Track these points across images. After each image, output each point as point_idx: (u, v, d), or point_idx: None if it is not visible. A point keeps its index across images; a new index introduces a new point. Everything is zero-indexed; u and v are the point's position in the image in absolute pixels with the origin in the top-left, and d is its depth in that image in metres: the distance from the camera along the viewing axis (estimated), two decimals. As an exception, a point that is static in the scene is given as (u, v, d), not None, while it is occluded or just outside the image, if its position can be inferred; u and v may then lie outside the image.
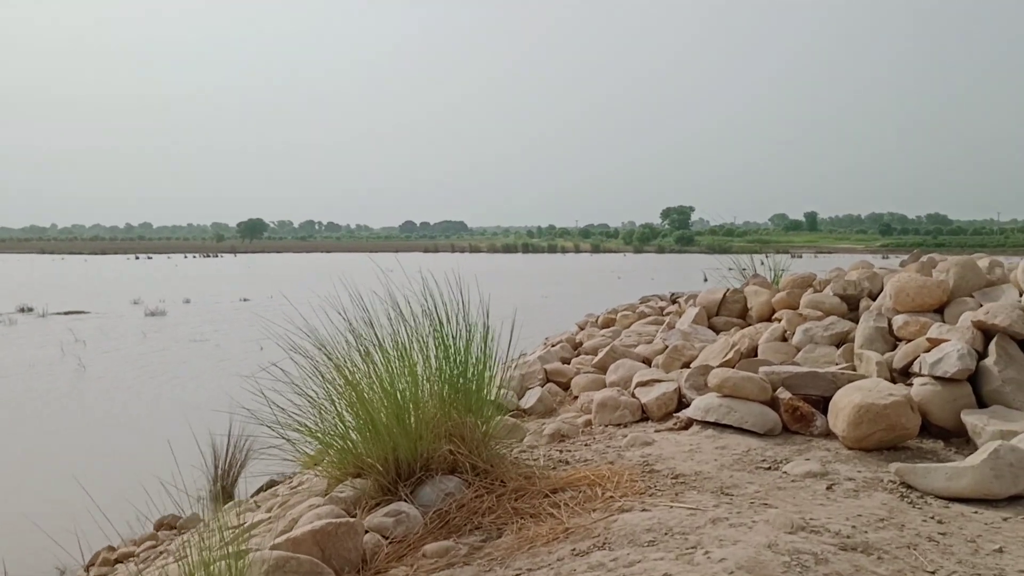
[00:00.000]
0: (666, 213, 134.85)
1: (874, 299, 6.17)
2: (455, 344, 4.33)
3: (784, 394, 4.70)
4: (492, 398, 4.42)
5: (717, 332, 7.29)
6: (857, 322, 5.93)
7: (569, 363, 7.45)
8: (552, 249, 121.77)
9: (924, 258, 7.33)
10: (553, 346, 8.23)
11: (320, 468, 4.30)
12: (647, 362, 6.73)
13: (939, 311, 5.39)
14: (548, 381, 6.88)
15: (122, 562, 6.90)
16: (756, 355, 5.93)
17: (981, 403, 4.34)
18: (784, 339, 6.07)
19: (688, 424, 4.94)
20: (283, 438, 4.20)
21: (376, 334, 4.33)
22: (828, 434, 4.50)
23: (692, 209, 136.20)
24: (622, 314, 9.84)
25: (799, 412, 4.61)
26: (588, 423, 5.50)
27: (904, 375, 4.87)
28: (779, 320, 6.71)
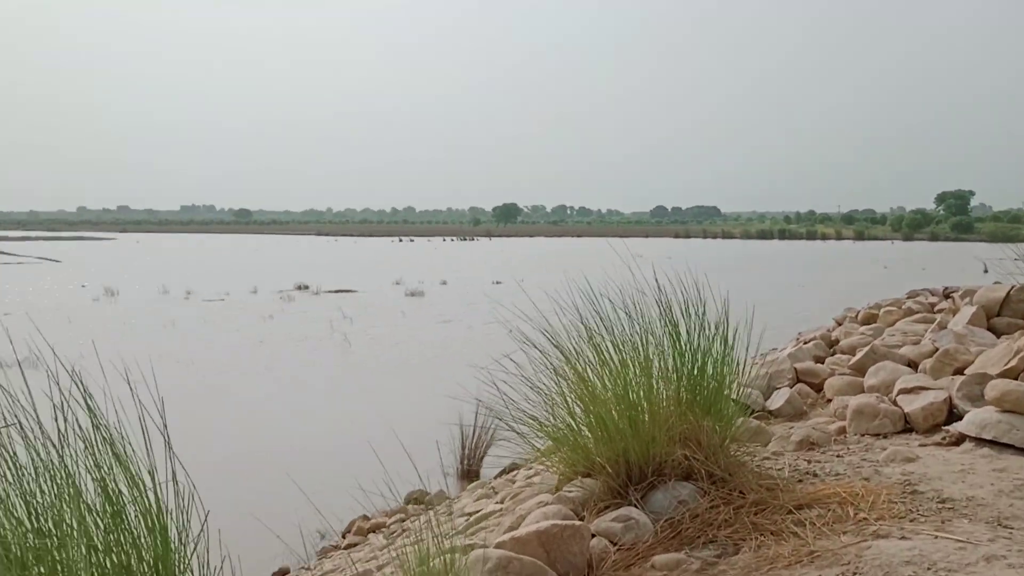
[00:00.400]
0: (941, 198, 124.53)
1: None
2: (692, 340, 4.07)
3: (1083, 413, 4.05)
4: (733, 399, 4.13)
5: (998, 335, 6.48)
6: None
7: (823, 362, 6.93)
8: (811, 236, 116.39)
9: None
10: (806, 343, 7.70)
11: (551, 464, 4.20)
12: (912, 366, 6.10)
13: None
14: (798, 381, 6.42)
15: (374, 532, 7.25)
16: (1046, 363, 5.18)
17: None
18: (1082, 346, 5.27)
19: (959, 440, 4.39)
20: (514, 431, 4.15)
21: (610, 328, 4.16)
22: None
23: (972, 193, 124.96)
24: (885, 310, 9.06)
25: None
26: (842, 431, 5.05)
27: None
28: (1075, 324, 5.86)
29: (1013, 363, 5.11)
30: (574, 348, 4.10)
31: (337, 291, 30.27)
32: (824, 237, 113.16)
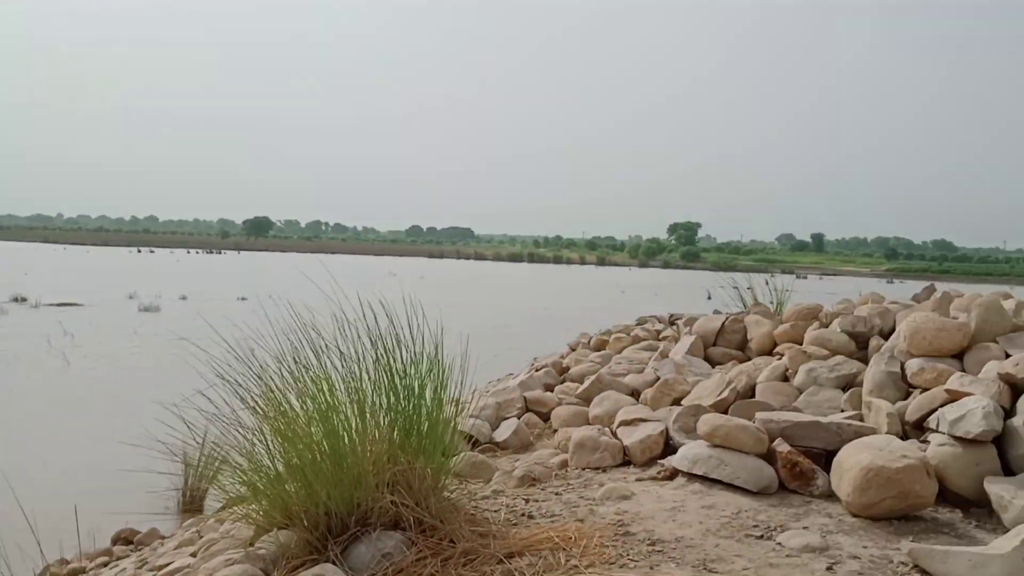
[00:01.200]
0: (673, 228, 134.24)
1: (886, 338, 5.63)
2: (408, 373, 3.79)
3: (782, 446, 4.15)
4: (449, 438, 3.88)
5: (713, 365, 6.74)
6: (866, 363, 5.39)
7: (553, 390, 6.92)
8: (557, 260, 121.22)
9: (939, 293, 6.79)
10: (538, 370, 7.68)
11: (246, 513, 3.74)
12: (636, 395, 6.19)
13: (958, 356, 4.84)
14: (528, 410, 6.34)
15: (72, 579, 6.40)
16: (754, 395, 5.38)
17: (1007, 469, 3.78)
18: (786, 379, 5.52)
19: (673, 474, 4.39)
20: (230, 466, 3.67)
21: (325, 356, 3.80)
22: (830, 495, 3.94)
23: (699, 225, 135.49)
24: (615, 336, 9.29)
25: (798, 468, 4.06)
26: (564, 464, 4.96)
27: (918, 429, 4.32)
28: (781, 356, 6.16)
29: (724, 394, 5.26)
30: (279, 382, 3.70)
31: (61, 304, 27.60)
32: (569, 261, 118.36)
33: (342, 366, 3.78)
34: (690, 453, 4.25)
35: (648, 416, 5.16)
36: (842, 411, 4.86)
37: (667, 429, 4.96)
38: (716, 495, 4.03)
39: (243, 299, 31.07)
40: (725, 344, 6.95)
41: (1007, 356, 4.65)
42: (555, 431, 5.84)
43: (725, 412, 5.10)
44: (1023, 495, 3.48)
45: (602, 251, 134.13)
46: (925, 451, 3.89)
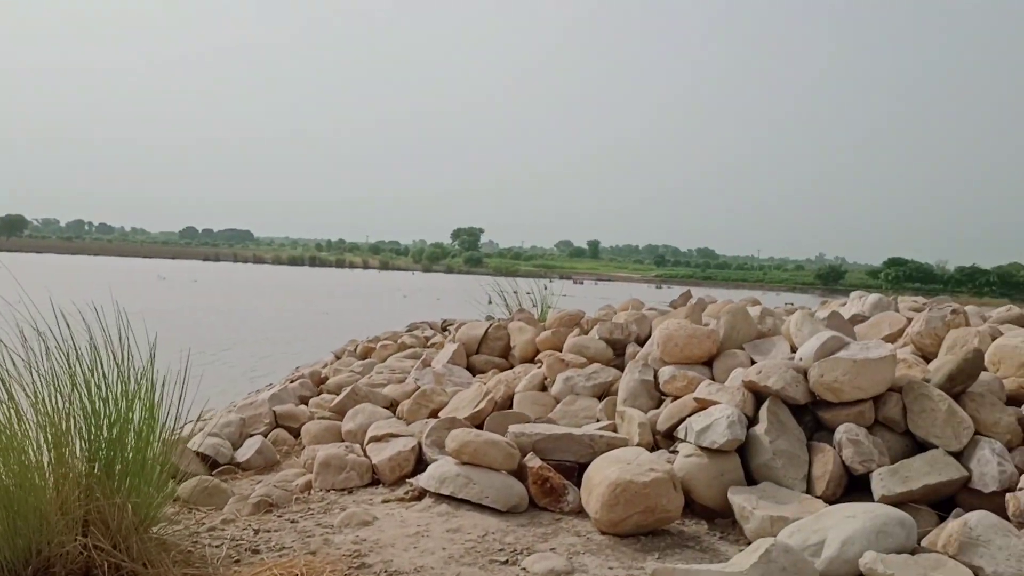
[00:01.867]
0: (456, 233, 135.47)
1: (642, 345, 5.62)
2: (116, 395, 3.27)
3: (533, 461, 3.96)
4: (161, 467, 3.39)
5: (476, 373, 6.54)
6: (623, 371, 5.35)
7: (308, 403, 6.47)
8: (340, 264, 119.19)
9: (694, 300, 6.93)
10: (292, 382, 7.19)
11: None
12: (395, 407, 5.86)
13: (708, 364, 4.87)
14: (277, 426, 5.86)
15: None
16: (512, 406, 5.20)
17: (750, 478, 3.77)
18: (544, 388, 5.38)
19: (421, 495, 4.10)
20: None
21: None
22: (581, 510, 3.79)
23: (482, 231, 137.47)
24: (382, 344, 8.92)
25: (549, 484, 3.88)
26: (308, 486, 4.55)
27: (669, 439, 4.27)
28: (542, 364, 6.05)
29: (481, 406, 5.03)
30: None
31: None
32: (352, 265, 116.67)
33: (30, 388, 3.21)
34: (438, 472, 3.97)
35: (400, 431, 4.86)
36: (598, 421, 4.76)
37: (420, 444, 4.67)
38: (463, 517, 3.77)
39: (-15, 304, 28.14)
40: (488, 352, 6.77)
41: (752, 363, 4.72)
42: (304, 450, 5.42)
43: (481, 425, 4.88)
44: (764, 505, 3.45)
45: (386, 255, 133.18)
46: (673, 463, 3.82)
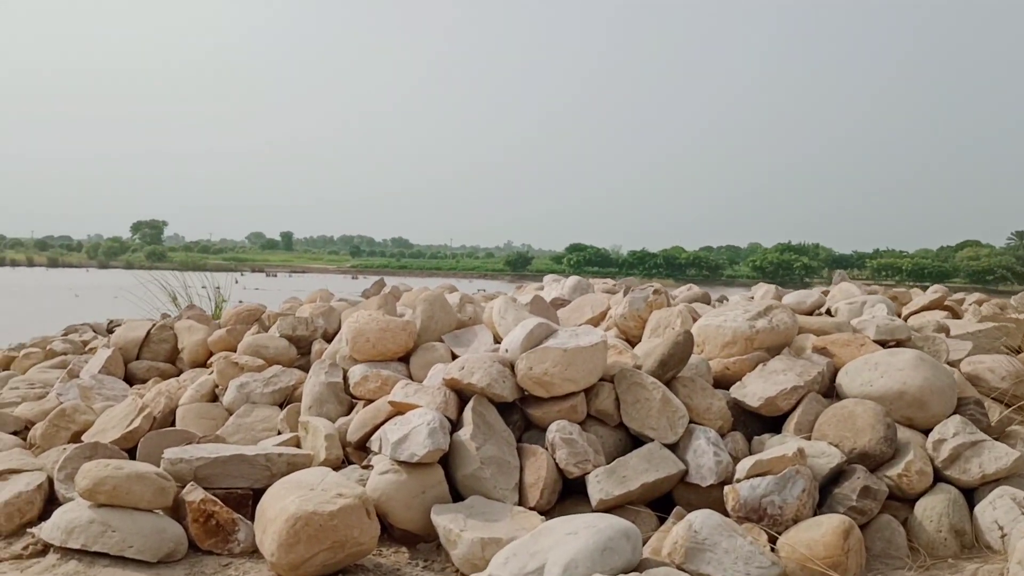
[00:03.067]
0: (137, 227, 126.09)
1: (330, 341, 4.97)
2: None
3: (194, 494, 3.19)
4: None
5: (135, 383, 5.55)
6: (308, 370, 4.68)
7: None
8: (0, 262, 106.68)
9: (387, 288, 6.39)
10: None
11: None
12: (27, 430, 4.77)
13: (405, 359, 4.32)
14: None
15: None
16: (174, 422, 4.35)
17: (456, 492, 3.26)
18: (215, 397, 4.57)
19: (45, 549, 3.18)
20: None
21: None
22: (256, 550, 3.09)
23: (166, 224, 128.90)
24: (27, 351, 7.51)
25: (214, 521, 3.13)
26: None
27: (362, 451, 3.67)
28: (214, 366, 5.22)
29: (136, 423, 4.16)
30: None
31: None
32: (14, 263, 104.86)
33: None
34: (65, 519, 3.08)
35: (25, 465, 3.85)
36: (279, 434, 4.05)
37: (52, 480, 3.72)
38: (101, 575, 2.94)
39: None
40: (152, 356, 5.77)
41: (453, 357, 4.24)
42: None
43: (134, 448, 4.01)
44: (473, 525, 2.95)
45: (56, 251, 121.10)
46: (366, 482, 3.22)
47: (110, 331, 9.61)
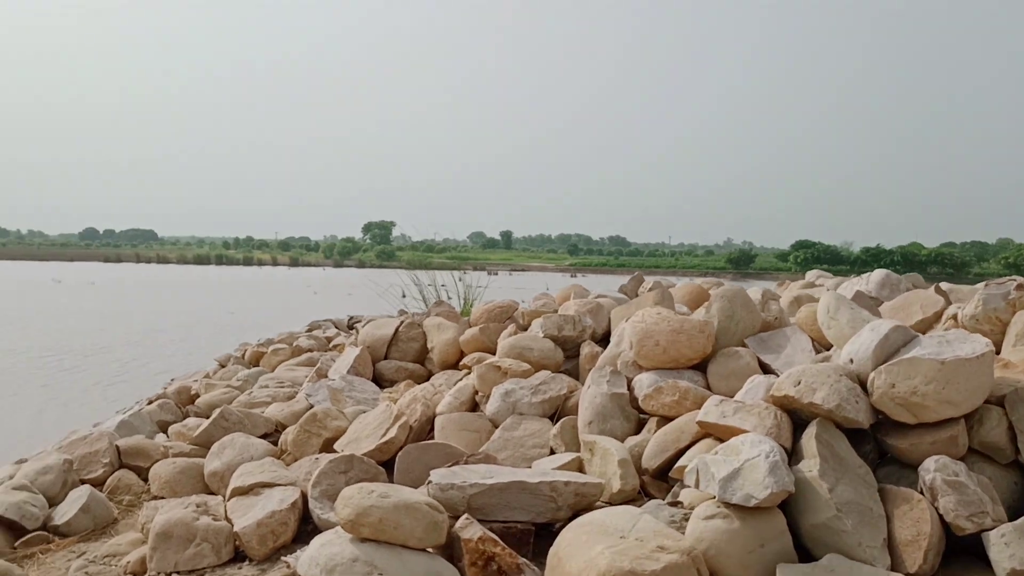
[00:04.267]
0: (367, 227, 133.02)
1: (600, 343, 4.33)
2: None
3: (471, 531, 2.61)
4: None
5: (384, 384, 5.16)
6: (579, 378, 4.05)
7: (168, 431, 5.01)
8: (248, 262, 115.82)
9: (648, 284, 5.68)
10: (151, 402, 5.67)
11: None
12: (277, 432, 4.47)
13: (700, 367, 3.59)
14: (121, 466, 4.39)
15: None
16: (433, 433, 3.85)
17: (801, 546, 2.49)
18: (476, 406, 4.04)
19: (302, 584, 2.72)
20: None
21: None
22: (544, 604, 2.47)
23: (393, 224, 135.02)
24: (275, 347, 7.44)
25: (495, 565, 2.54)
26: (142, 566, 3.13)
27: (661, 479, 2.99)
28: (469, 371, 4.72)
29: (391, 434, 3.69)
30: None
31: None
32: (261, 263, 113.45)
33: None
34: (325, 555, 2.58)
35: (276, 478, 3.45)
36: (552, 452, 3.45)
37: (305, 496, 3.30)
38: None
39: None
40: (400, 356, 5.38)
41: (761, 365, 3.46)
42: (155, 500, 3.97)
43: (391, 462, 3.53)
44: (838, 596, 2.18)
45: (296, 252, 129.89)
46: (679, 526, 2.52)
47: (351, 327, 9.50)
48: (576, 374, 4.19)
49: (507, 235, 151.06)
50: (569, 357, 4.33)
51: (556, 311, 5.12)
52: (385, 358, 5.37)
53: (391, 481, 3.41)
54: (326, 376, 5.25)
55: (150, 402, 5.64)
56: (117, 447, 4.46)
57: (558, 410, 3.74)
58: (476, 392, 4.05)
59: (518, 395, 3.77)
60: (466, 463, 3.14)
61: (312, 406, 4.71)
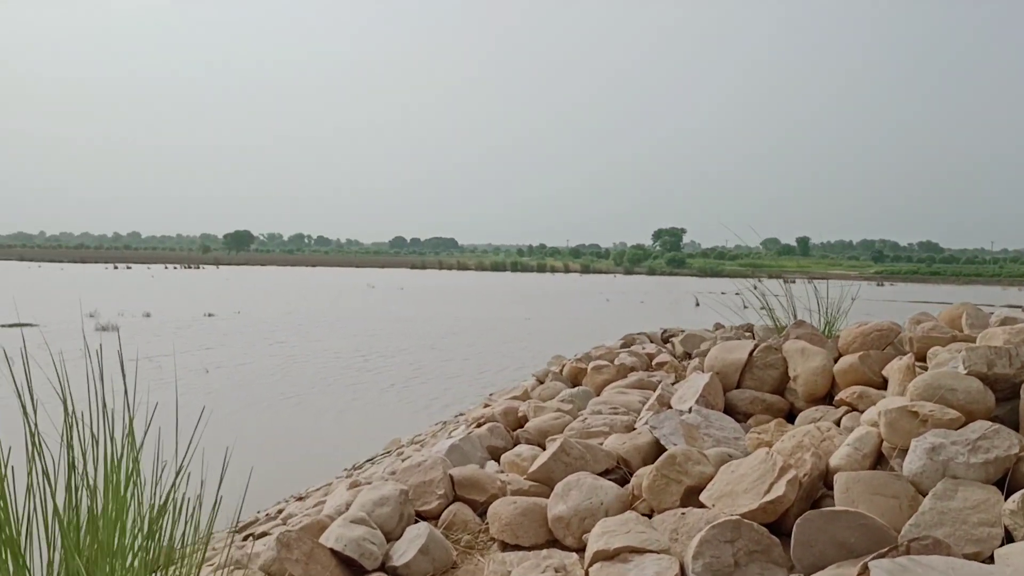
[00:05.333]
0: (657, 234, 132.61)
1: (1038, 384, 3.33)
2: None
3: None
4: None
5: (738, 418, 4.43)
6: (1019, 428, 3.12)
7: (500, 460, 4.61)
8: (541, 268, 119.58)
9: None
10: (480, 424, 5.32)
11: None
12: (621, 471, 3.90)
13: None
14: (456, 499, 4.02)
15: None
16: (829, 487, 3.08)
17: None
18: (881, 455, 3.22)
19: None
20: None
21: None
22: None
23: (684, 231, 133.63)
24: (595, 364, 6.93)
25: None
26: (494, 637, 2.65)
27: None
28: (852, 408, 3.89)
29: (779, 491, 2.98)
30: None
31: (12, 325, 25.02)
32: (553, 270, 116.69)
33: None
34: None
35: (644, 541, 2.85)
36: (1007, 534, 2.57)
37: (682, 567, 2.68)
38: None
39: (210, 315, 28.83)
40: (755, 385, 4.63)
41: None
42: (493, 543, 3.54)
43: (777, 525, 2.83)
44: None
45: (586, 259, 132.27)
46: None
47: (666, 341, 8.86)
48: (1011, 422, 3.25)
49: (803, 241, 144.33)
50: (1000, 400, 3.37)
51: (953, 337, 4.16)
52: (737, 387, 4.65)
53: (785, 553, 2.71)
54: (669, 406, 4.62)
55: (479, 424, 5.29)
56: (451, 476, 4.09)
57: (1007, 475, 2.83)
58: (882, 441, 3.22)
59: (950, 452, 2.90)
60: (908, 551, 2.36)
61: (657, 439, 4.11)
